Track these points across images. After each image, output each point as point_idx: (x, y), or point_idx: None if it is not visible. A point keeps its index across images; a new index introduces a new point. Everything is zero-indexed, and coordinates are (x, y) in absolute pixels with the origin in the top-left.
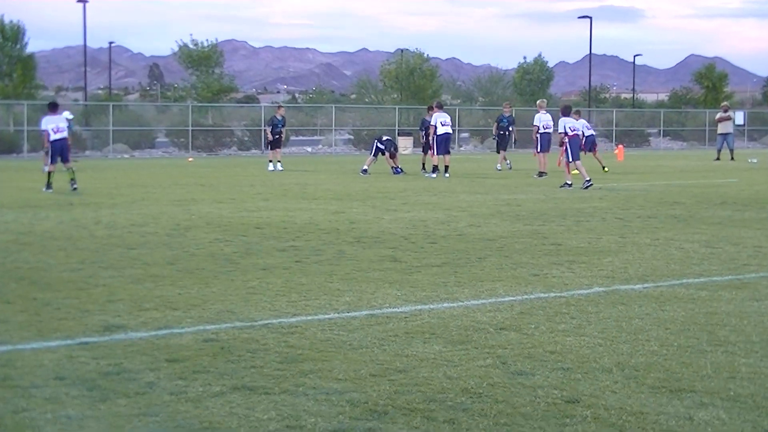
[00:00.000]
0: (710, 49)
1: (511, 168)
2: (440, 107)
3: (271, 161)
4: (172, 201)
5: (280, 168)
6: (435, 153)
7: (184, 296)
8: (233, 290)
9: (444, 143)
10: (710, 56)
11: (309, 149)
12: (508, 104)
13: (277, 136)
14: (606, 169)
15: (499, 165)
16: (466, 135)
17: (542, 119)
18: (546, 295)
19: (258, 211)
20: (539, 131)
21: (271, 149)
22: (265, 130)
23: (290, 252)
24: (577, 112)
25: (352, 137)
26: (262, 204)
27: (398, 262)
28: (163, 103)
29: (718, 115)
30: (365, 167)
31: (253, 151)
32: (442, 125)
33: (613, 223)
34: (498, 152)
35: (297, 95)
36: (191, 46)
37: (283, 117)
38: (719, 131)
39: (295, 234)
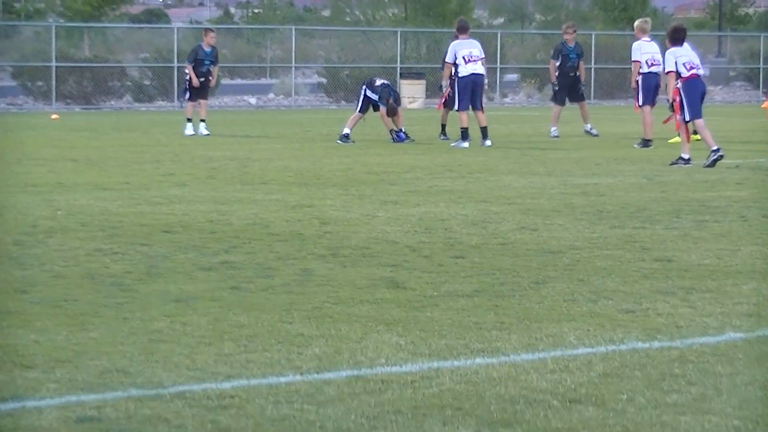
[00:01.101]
0: None
1: (595, 134)
2: (464, 31)
3: (190, 120)
4: (24, 187)
5: (205, 132)
6: (458, 107)
7: (44, 346)
8: (126, 336)
9: (471, 91)
10: None
11: (253, 100)
12: (572, 27)
13: (202, 80)
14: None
15: (554, 128)
16: (513, 77)
17: (645, 50)
18: (647, 345)
19: (168, 203)
20: (641, 71)
21: (191, 101)
22: (182, 68)
23: (222, 272)
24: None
25: (324, 80)
26: (176, 192)
27: (401, 290)
28: (8, 22)
29: None
30: (347, 130)
31: (160, 103)
32: (467, 61)
33: (759, 224)
34: (556, 105)
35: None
36: None
37: (213, 48)
38: None
39: (231, 242)
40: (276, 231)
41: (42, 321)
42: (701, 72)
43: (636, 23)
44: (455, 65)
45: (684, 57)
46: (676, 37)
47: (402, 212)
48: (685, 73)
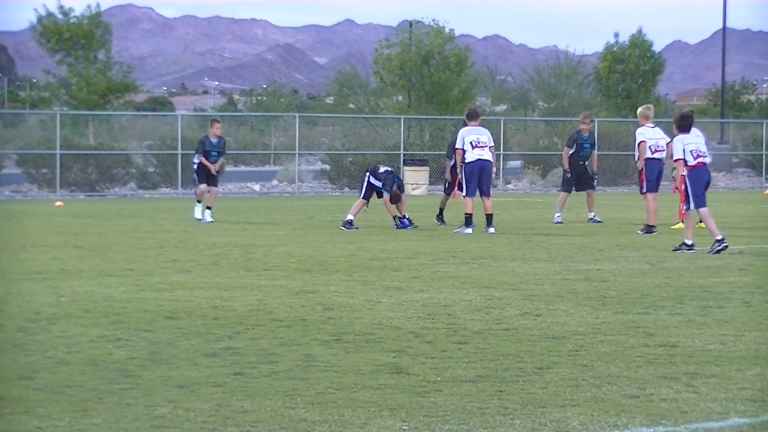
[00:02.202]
0: None
1: (598, 221)
2: (473, 117)
3: (199, 202)
4: (28, 274)
5: (210, 219)
6: (465, 193)
7: None
8: (130, 422)
9: (477, 177)
10: None
11: (257, 187)
12: (589, 117)
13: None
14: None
15: (558, 214)
16: (517, 164)
17: (649, 137)
18: (651, 430)
19: (171, 289)
20: (646, 156)
21: (200, 183)
22: (186, 156)
23: (225, 358)
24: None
25: (327, 167)
26: (179, 278)
27: (405, 375)
28: (13, 110)
29: None
30: (350, 217)
31: (164, 189)
32: (474, 147)
33: (763, 310)
34: (564, 192)
35: (237, 97)
36: (59, 15)
37: (219, 138)
38: None
39: (234, 328)
40: (279, 317)
41: (45, 407)
42: (707, 160)
43: (639, 110)
44: (462, 151)
45: (691, 144)
46: (684, 123)
47: (405, 298)
48: (691, 162)
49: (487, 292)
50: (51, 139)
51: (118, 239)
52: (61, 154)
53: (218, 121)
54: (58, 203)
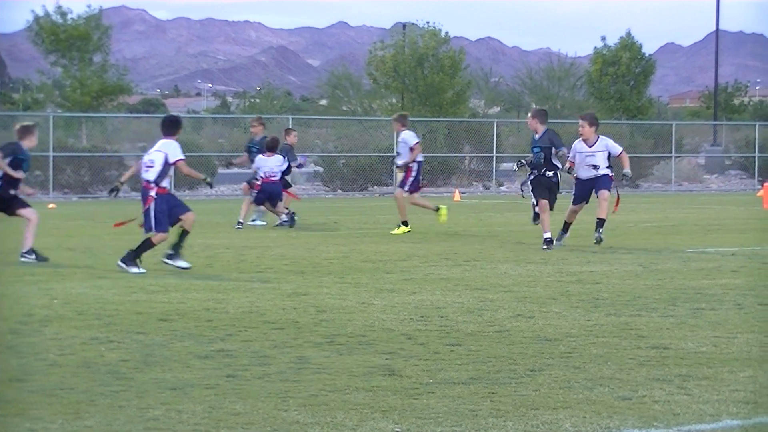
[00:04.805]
0: None
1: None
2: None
3: (257, 213)
4: (20, 275)
5: (259, 222)
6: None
7: None
8: (123, 424)
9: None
10: None
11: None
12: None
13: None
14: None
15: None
16: (510, 165)
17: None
18: None
19: (164, 292)
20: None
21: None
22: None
23: (218, 360)
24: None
25: (320, 169)
26: (172, 281)
27: (397, 377)
28: (7, 112)
29: None
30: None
31: None
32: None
33: (755, 312)
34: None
35: (230, 99)
36: (55, 17)
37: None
38: None
39: (227, 330)
40: (272, 319)
41: (37, 410)
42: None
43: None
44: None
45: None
46: (592, 121)
47: (398, 300)
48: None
49: (480, 294)
50: (44, 141)
51: (111, 241)
52: (53, 156)
53: (260, 122)
54: (50, 205)
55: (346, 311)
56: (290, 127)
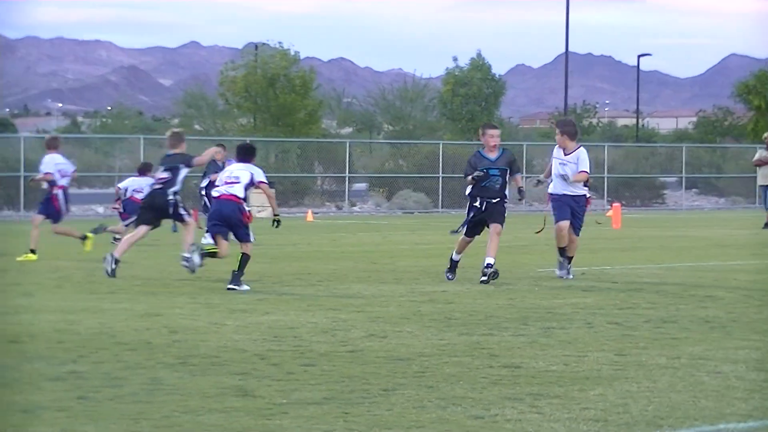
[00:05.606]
0: (763, 46)
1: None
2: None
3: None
4: None
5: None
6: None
7: None
8: None
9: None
10: (762, 58)
11: (100, 209)
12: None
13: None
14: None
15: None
16: (362, 186)
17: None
18: None
19: (14, 313)
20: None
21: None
22: (28, 178)
23: (69, 381)
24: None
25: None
26: (22, 302)
27: (251, 398)
28: None
29: (757, 155)
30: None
31: (6, 212)
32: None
33: (605, 331)
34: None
35: (80, 119)
36: None
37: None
38: (760, 181)
39: (78, 351)
40: (124, 340)
41: None
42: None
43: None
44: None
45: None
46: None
47: (251, 320)
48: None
49: (333, 314)
50: None
51: None
52: None
53: (220, 145)
54: None
55: (198, 332)
56: (142, 150)
